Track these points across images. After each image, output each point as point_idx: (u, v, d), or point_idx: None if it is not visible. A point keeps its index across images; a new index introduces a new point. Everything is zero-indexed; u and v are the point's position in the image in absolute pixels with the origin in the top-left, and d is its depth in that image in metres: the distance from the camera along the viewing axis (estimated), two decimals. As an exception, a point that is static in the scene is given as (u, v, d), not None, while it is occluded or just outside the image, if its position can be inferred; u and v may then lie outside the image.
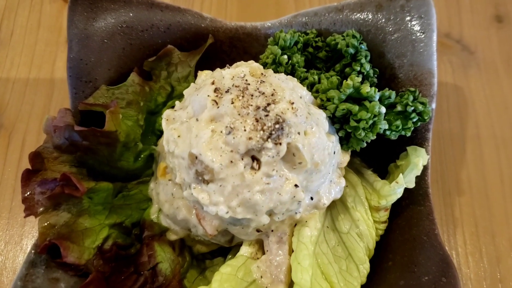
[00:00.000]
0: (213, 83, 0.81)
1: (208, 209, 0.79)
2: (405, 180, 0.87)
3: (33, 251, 0.83)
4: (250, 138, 0.75)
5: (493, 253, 1.06)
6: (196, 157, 0.78)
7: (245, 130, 0.76)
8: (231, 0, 1.34)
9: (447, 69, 1.26)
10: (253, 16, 1.31)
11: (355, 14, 1.01)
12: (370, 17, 0.99)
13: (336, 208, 0.94)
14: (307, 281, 0.79)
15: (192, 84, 0.90)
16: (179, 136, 0.82)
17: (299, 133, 0.78)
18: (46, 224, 0.84)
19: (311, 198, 0.87)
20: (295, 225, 0.89)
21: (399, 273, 0.84)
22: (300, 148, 0.78)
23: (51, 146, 0.91)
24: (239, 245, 0.92)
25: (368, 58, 0.96)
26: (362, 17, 1.00)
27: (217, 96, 0.80)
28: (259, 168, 0.78)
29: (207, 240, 0.95)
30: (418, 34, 0.96)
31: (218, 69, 0.86)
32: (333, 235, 0.90)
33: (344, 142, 0.92)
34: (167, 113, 0.87)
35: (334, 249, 0.88)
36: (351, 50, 0.94)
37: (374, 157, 1.02)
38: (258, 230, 0.87)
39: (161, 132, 1.02)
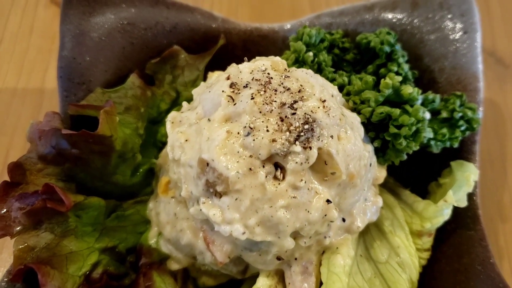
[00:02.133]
0: (228, 78, 0.68)
1: (220, 228, 0.65)
2: (454, 198, 0.73)
3: (5, 279, 0.68)
4: (273, 141, 0.61)
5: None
6: (208, 164, 0.64)
7: (267, 131, 0.62)
8: (242, 2, 1.22)
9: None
10: (266, 18, 1.19)
11: (387, 12, 0.89)
12: (404, 15, 0.88)
13: (371, 233, 0.80)
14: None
15: (202, 83, 0.77)
16: (186, 141, 0.69)
17: (332, 136, 0.65)
18: (23, 246, 0.69)
19: (343, 220, 0.72)
20: (323, 253, 0.74)
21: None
22: (334, 154, 0.64)
23: (35, 156, 0.78)
24: (254, 276, 0.77)
25: (406, 58, 0.83)
26: (395, 16, 0.88)
27: (233, 91, 0.66)
28: (283, 178, 0.64)
29: (216, 270, 0.80)
30: (460, 34, 0.84)
31: (233, 64, 0.73)
32: (368, 265, 0.75)
33: (380, 154, 0.78)
34: (172, 115, 0.74)
35: (370, 282, 0.73)
36: (387, 48, 0.81)
37: (409, 177, 0.87)
38: (279, 258, 0.72)
39: (164, 144, 0.89)
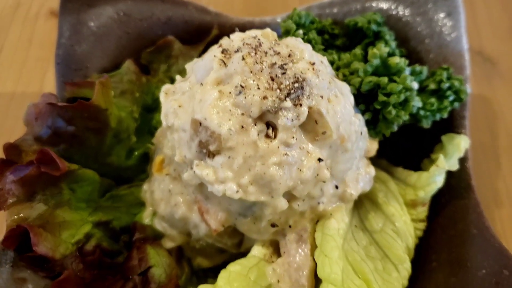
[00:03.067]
0: (220, 46, 0.71)
1: (213, 188, 0.65)
2: (446, 164, 0.74)
3: (-2, 248, 0.68)
4: (264, 98, 0.63)
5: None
6: (200, 124, 0.65)
7: (258, 89, 0.63)
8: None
9: (471, 80, 1.16)
10: (260, 12, 1.23)
11: (374, 0, 0.92)
12: (391, 2, 0.91)
13: (365, 206, 0.80)
14: (337, 274, 0.62)
15: (195, 58, 0.80)
16: (179, 106, 0.70)
17: (321, 97, 0.66)
18: (16, 216, 0.69)
19: (336, 187, 0.73)
20: (317, 222, 0.74)
21: (448, 271, 0.69)
22: (324, 113, 0.65)
23: (31, 138, 0.79)
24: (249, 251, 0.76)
25: (393, 37, 0.86)
26: (382, 2, 0.91)
27: (225, 56, 0.68)
28: (275, 136, 0.64)
29: (211, 248, 0.79)
30: (444, 15, 0.87)
31: (225, 37, 0.76)
32: (363, 234, 0.75)
33: (371, 126, 0.79)
34: (165, 86, 0.76)
35: (366, 249, 0.72)
36: (374, 27, 0.84)
37: (402, 158, 0.88)
38: (273, 225, 0.72)
39: (159, 130, 0.90)
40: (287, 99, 0.63)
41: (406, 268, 0.70)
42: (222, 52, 0.69)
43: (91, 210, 0.76)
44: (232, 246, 0.78)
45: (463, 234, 0.72)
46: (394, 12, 0.90)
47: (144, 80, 0.90)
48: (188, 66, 0.77)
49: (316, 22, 0.87)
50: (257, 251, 0.72)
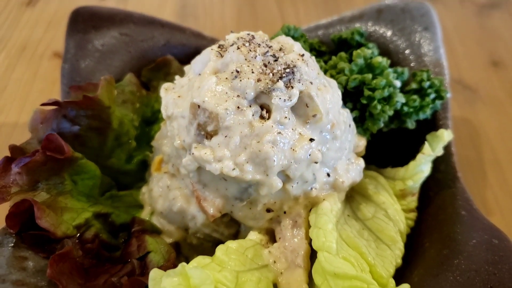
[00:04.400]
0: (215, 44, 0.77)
1: (211, 167, 0.68)
2: (432, 151, 0.78)
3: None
4: (259, 80, 0.68)
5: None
6: (199, 106, 0.69)
7: (253, 73, 0.69)
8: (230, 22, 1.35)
9: (453, 105, 1.22)
10: None
11: (356, 21, 1.01)
12: (371, 21, 0.99)
13: (356, 200, 0.82)
14: (331, 242, 0.64)
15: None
16: (179, 97, 0.75)
17: (311, 83, 0.71)
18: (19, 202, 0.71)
19: (328, 175, 0.76)
20: (311, 210, 0.76)
21: (440, 246, 0.71)
22: (314, 96, 0.70)
23: (36, 142, 0.82)
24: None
25: (375, 47, 0.93)
26: (363, 22, 1.00)
27: (221, 50, 0.74)
28: (269, 117, 0.69)
29: (207, 241, 0.81)
30: (421, 29, 0.95)
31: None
32: (355, 222, 0.77)
33: (359, 124, 0.84)
34: (166, 84, 0.81)
35: (359, 233, 0.74)
36: (357, 37, 0.91)
37: (390, 163, 0.92)
38: (268, 210, 0.74)
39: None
40: (280, 81, 0.68)
41: (399, 247, 0.72)
42: (219, 46, 0.75)
43: (92, 204, 0.78)
44: (229, 237, 0.79)
45: (452, 216, 0.74)
46: (375, 30, 0.98)
47: (144, 93, 0.95)
48: (186, 68, 0.83)
49: (305, 37, 0.95)
50: (254, 235, 0.74)
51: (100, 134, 0.82)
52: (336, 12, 1.07)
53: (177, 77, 0.83)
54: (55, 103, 0.80)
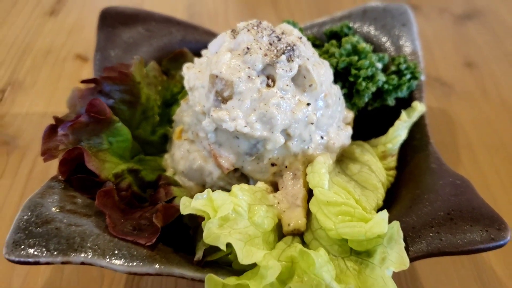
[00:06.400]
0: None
1: (227, 125, 0.84)
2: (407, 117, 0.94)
3: (49, 180, 0.84)
4: (265, 55, 0.84)
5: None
6: (217, 76, 0.85)
7: (260, 49, 0.85)
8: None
9: (431, 98, 1.40)
10: None
11: (345, 20, 1.18)
12: (358, 20, 1.17)
13: (345, 162, 0.98)
14: (324, 181, 0.79)
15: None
16: (199, 71, 0.91)
17: (308, 59, 0.88)
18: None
19: (322, 138, 0.92)
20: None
21: (412, 185, 0.86)
22: (310, 69, 0.87)
23: (73, 116, 0.97)
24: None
25: (361, 39, 1.10)
26: (351, 21, 1.17)
27: (233, 33, 0.91)
28: (274, 85, 0.85)
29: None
30: (400, 25, 1.13)
31: (231, 30, 0.99)
32: (344, 176, 0.92)
33: (347, 99, 1.00)
34: (187, 64, 0.97)
35: (347, 182, 0.89)
36: (346, 30, 1.09)
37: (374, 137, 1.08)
38: (273, 164, 0.89)
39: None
40: (282, 55, 0.85)
41: (380, 192, 0.87)
42: (232, 31, 0.92)
43: (124, 162, 0.93)
44: (240, 190, 0.94)
45: (425, 169, 0.90)
46: (361, 26, 1.16)
47: (164, 78, 1.11)
48: (203, 51, 0.99)
49: (302, 31, 1.12)
50: (261, 184, 0.89)
51: (131, 107, 0.98)
52: (327, 13, 1.24)
53: (195, 58, 1.00)
54: (93, 80, 0.95)
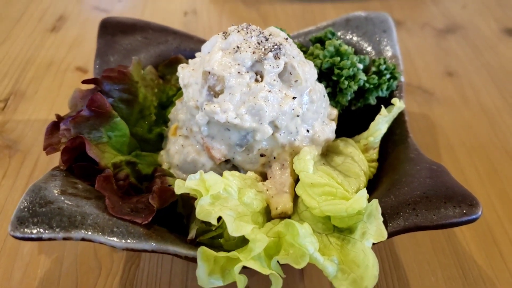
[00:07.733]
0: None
1: (219, 117, 0.90)
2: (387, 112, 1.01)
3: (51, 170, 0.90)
4: (254, 52, 0.92)
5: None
6: (209, 72, 0.92)
7: (249, 47, 0.93)
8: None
9: (413, 104, 1.48)
10: None
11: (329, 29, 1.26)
12: (341, 29, 1.25)
13: (330, 155, 1.04)
14: (309, 166, 0.86)
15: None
16: (193, 70, 0.98)
17: (294, 57, 0.95)
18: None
19: (307, 131, 0.98)
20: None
21: (392, 173, 0.92)
22: (296, 66, 0.94)
23: (75, 114, 1.04)
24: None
25: (343, 43, 1.18)
26: (335, 30, 1.25)
27: (224, 35, 0.98)
28: (262, 80, 0.92)
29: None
30: (381, 32, 1.21)
31: (224, 33, 1.06)
32: (329, 167, 0.98)
33: (331, 98, 1.07)
34: (182, 64, 1.04)
35: (332, 172, 0.95)
36: (329, 35, 1.16)
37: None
38: (262, 155, 0.95)
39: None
40: (270, 53, 0.92)
41: (362, 180, 0.93)
42: (223, 33, 0.99)
43: (122, 155, 0.99)
44: (231, 180, 1.00)
45: (404, 160, 0.96)
46: (344, 33, 1.24)
47: (160, 82, 1.18)
48: (197, 54, 1.06)
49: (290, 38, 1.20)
50: (251, 174, 0.95)
51: (129, 105, 1.04)
52: (313, 23, 1.32)
53: (190, 60, 1.07)
54: (93, 79, 1.02)
